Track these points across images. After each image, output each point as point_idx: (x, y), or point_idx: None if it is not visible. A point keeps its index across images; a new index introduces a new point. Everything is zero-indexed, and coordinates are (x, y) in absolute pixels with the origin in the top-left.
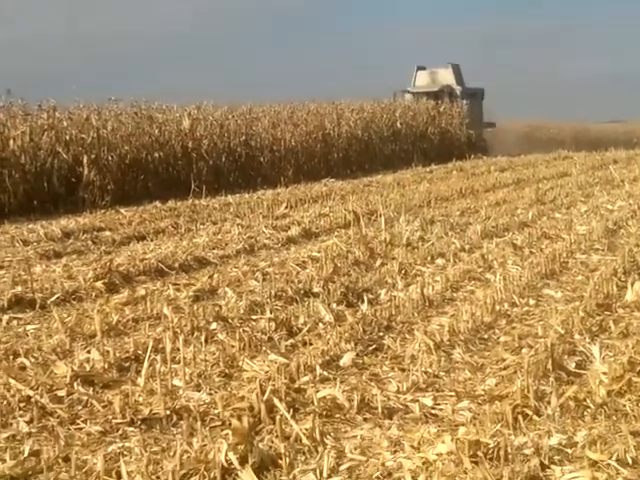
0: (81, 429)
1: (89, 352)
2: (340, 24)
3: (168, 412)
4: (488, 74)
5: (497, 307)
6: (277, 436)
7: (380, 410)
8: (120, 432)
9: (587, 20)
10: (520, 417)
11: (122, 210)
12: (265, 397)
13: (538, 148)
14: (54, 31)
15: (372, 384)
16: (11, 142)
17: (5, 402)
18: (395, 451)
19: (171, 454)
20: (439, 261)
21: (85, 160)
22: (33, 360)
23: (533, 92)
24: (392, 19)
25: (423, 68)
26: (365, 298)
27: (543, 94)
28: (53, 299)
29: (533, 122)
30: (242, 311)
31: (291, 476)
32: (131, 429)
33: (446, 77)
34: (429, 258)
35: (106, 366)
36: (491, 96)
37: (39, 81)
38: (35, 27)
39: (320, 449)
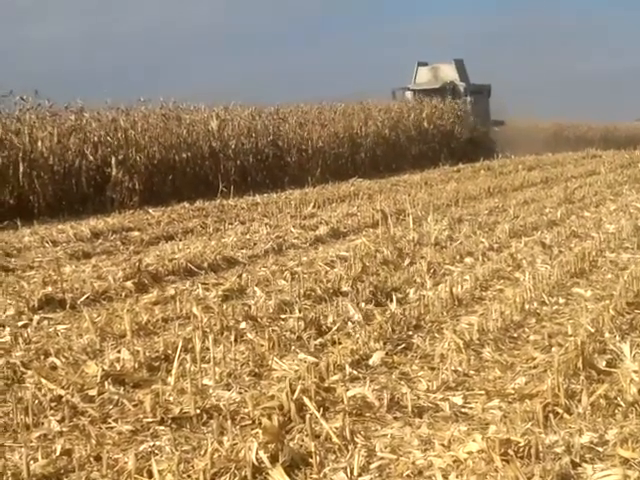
0: (112, 428)
1: (119, 352)
2: (367, 25)
3: (198, 411)
4: (508, 71)
5: (527, 306)
6: (307, 435)
7: (410, 409)
8: (151, 431)
9: (613, 16)
10: (551, 415)
11: (150, 210)
12: (295, 396)
13: (566, 148)
14: (86, 31)
15: (402, 383)
16: (39, 143)
17: (37, 401)
18: (425, 449)
19: (202, 453)
20: (468, 260)
21: (113, 161)
22: (64, 360)
23: (558, 90)
24: (420, 18)
25: (425, 64)
26: (394, 297)
27: (569, 92)
28: (83, 299)
29: (560, 121)
30: (271, 310)
31: (322, 474)
32: (162, 428)
33: (448, 73)
34: (458, 257)
35: (136, 365)
36: (508, 93)
37: (72, 82)
38: (66, 27)
39: (350, 448)
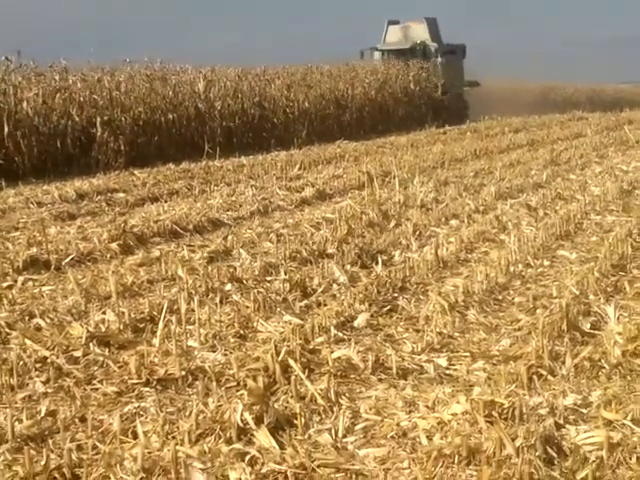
0: (97, 389)
1: (104, 313)
2: None
3: (183, 372)
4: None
5: (511, 268)
6: (292, 396)
7: (395, 370)
8: (136, 392)
9: None
10: (535, 377)
11: (136, 172)
12: (280, 358)
13: (552, 110)
14: None
15: (387, 345)
16: (24, 104)
17: (21, 363)
18: (410, 411)
19: (187, 414)
20: (453, 222)
21: (98, 121)
22: (49, 321)
23: (544, 53)
24: None
25: (396, 22)
26: (379, 259)
27: (559, 54)
28: (68, 260)
29: (546, 83)
30: (257, 272)
31: (306, 436)
32: (147, 389)
33: (419, 33)
34: (443, 219)
35: (121, 327)
36: (489, 55)
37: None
38: None
39: (335, 409)
